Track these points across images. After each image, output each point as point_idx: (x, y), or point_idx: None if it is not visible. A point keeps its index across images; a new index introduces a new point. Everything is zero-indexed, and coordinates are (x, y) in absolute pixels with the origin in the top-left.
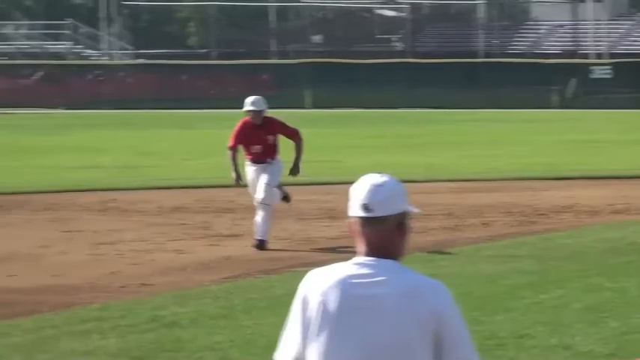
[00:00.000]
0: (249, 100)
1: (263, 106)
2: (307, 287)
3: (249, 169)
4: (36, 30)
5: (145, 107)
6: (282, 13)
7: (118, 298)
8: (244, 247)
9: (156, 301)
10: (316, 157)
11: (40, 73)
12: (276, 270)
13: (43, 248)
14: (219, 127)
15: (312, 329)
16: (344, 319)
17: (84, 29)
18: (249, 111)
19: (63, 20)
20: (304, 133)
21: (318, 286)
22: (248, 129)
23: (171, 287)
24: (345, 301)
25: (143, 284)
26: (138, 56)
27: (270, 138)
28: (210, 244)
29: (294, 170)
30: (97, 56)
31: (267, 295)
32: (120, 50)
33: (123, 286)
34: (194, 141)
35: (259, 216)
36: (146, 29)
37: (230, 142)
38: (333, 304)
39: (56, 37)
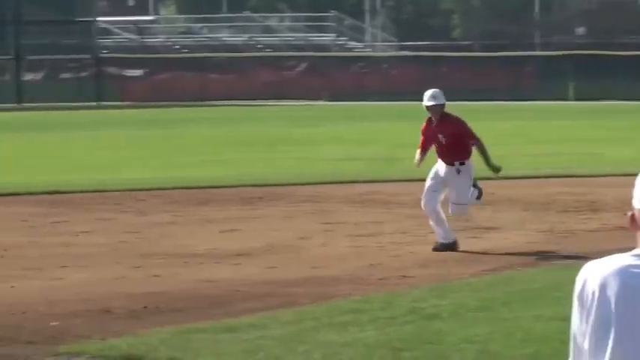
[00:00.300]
0: (428, 93)
1: (444, 99)
2: (584, 279)
3: (440, 166)
4: (300, 22)
5: (407, 99)
6: (546, 4)
7: (377, 290)
8: (504, 240)
9: (415, 293)
10: (576, 149)
11: (304, 65)
12: (536, 263)
13: (303, 240)
14: (480, 118)
15: (591, 321)
16: (623, 309)
17: (348, 21)
18: (428, 106)
19: (327, 12)
20: (566, 125)
21: (596, 277)
22: (428, 127)
23: (431, 279)
24: (624, 291)
25: (403, 276)
26: (401, 48)
27: (442, 138)
28: (471, 237)
29: (495, 169)
30: (361, 48)
31: (526, 288)
32: (383, 42)
33: (382, 278)
34: None
35: (432, 221)
36: (409, 21)
37: (419, 146)
38: (612, 295)
39: (320, 29)
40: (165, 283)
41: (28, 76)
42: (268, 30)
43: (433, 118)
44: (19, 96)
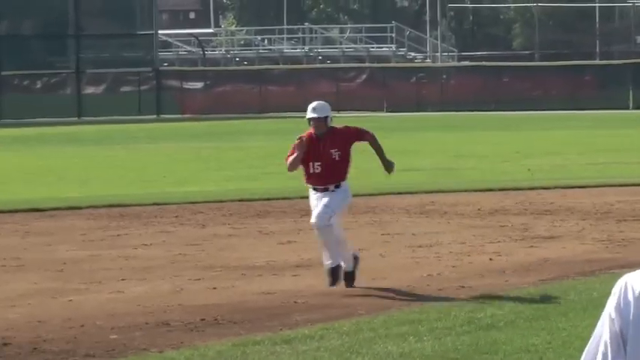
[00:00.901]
0: (311, 105)
1: (328, 112)
2: (623, 291)
3: (312, 197)
4: (360, 33)
5: (466, 109)
6: (606, 13)
7: (435, 300)
8: (562, 249)
9: (473, 303)
10: (635, 158)
11: (364, 76)
12: (594, 272)
13: (362, 251)
14: (540, 127)
15: (630, 334)
16: None
17: (408, 32)
18: (310, 119)
19: (387, 23)
20: (626, 134)
21: (636, 288)
22: (309, 142)
23: (488, 289)
24: None
25: (461, 286)
26: (461, 58)
27: (336, 153)
28: (529, 246)
29: (388, 166)
30: (421, 59)
31: (584, 297)
32: (444, 53)
33: (440, 289)
34: (514, 143)
35: (323, 245)
36: (470, 31)
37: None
38: None
39: (380, 40)
40: (224, 295)
41: (89, 90)
42: (328, 41)
43: (317, 133)
44: (80, 109)
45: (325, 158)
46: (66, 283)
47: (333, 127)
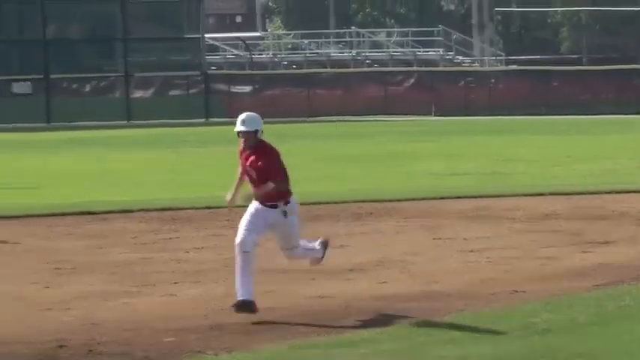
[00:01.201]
0: (241, 117)
1: (258, 125)
2: None
3: (254, 208)
4: (407, 37)
5: (515, 113)
6: None
7: (488, 305)
8: (617, 254)
9: (527, 308)
10: None
11: (412, 80)
12: None
13: (414, 255)
14: (589, 132)
15: None
16: None
17: (455, 36)
18: (239, 132)
19: (435, 27)
20: None
21: None
22: (241, 157)
23: (542, 294)
24: None
25: (514, 291)
26: (509, 62)
27: (252, 171)
28: (583, 251)
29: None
30: (469, 63)
31: (639, 302)
32: (491, 57)
33: (493, 293)
34: (564, 147)
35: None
36: (518, 35)
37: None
38: None
39: (428, 44)
40: (277, 298)
41: (137, 94)
42: (376, 45)
43: (245, 147)
44: (129, 113)
45: (250, 177)
46: (119, 286)
47: (265, 144)
